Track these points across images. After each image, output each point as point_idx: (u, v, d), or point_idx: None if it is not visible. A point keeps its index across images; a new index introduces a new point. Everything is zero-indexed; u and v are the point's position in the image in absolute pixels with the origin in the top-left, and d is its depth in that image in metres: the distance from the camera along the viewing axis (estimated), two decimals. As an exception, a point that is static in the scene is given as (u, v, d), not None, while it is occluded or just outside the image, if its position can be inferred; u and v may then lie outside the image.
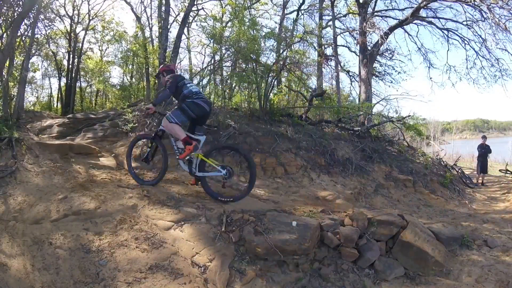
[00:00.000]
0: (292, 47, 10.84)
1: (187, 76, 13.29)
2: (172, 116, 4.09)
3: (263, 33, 9.51)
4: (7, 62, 5.99)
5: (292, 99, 11.56)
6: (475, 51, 10.98)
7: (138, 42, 11.68)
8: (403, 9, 12.03)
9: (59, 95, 13.66)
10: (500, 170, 10.37)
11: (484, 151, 9.75)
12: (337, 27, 14.01)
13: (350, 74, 14.70)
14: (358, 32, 12.26)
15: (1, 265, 2.72)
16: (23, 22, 6.39)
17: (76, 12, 12.60)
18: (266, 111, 8.72)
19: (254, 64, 8.52)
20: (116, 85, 14.40)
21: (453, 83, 12.18)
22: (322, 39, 13.81)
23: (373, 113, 10.32)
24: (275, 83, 10.27)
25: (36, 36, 9.27)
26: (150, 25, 12.17)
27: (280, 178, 6.19)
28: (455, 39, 11.36)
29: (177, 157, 4.24)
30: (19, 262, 2.80)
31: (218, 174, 4.05)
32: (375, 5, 12.54)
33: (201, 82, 10.53)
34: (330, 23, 13.91)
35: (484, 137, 10.14)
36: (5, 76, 5.75)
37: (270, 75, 8.87)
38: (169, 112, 4.11)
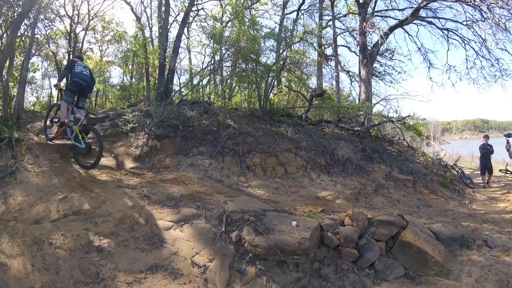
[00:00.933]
0: (292, 47, 10.85)
1: (187, 75, 13.34)
2: (65, 96, 5.14)
3: (263, 33, 9.52)
4: (7, 62, 6.00)
5: (292, 99, 11.55)
6: (475, 51, 10.99)
7: (138, 42, 11.67)
8: (403, 9, 12.04)
9: (59, 95, 13.64)
10: (500, 170, 10.32)
11: (485, 151, 9.22)
12: (337, 27, 14.01)
13: (350, 74, 14.70)
14: (358, 32, 12.25)
15: (1, 265, 2.72)
16: (23, 22, 6.40)
17: (76, 12, 12.59)
18: (266, 111, 8.73)
19: (254, 64, 8.53)
20: (116, 85, 14.39)
21: (453, 83, 12.19)
22: (322, 39, 13.80)
23: (373, 113, 10.32)
24: (275, 83, 10.27)
25: (36, 36, 9.28)
26: (150, 25, 12.16)
27: (280, 178, 6.19)
28: (455, 39, 11.37)
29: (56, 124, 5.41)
30: (19, 262, 2.80)
31: (80, 146, 4.94)
32: (375, 5, 12.54)
33: (201, 82, 10.55)
34: (330, 23, 13.90)
35: (486, 137, 9.52)
36: (5, 76, 5.75)
37: (270, 75, 8.87)
38: (64, 92, 5.22)
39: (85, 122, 5.28)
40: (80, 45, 12.95)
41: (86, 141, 4.99)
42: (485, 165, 9.13)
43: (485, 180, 9.10)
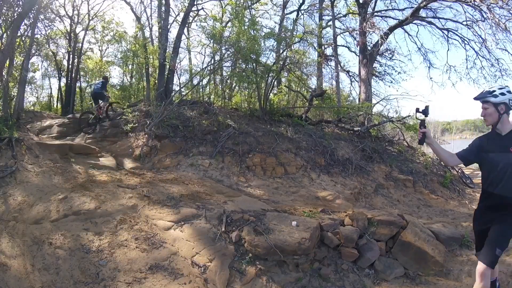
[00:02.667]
0: (292, 47, 10.85)
1: (187, 75, 13.38)
2: None
3: (263, 33, 9.52)
4: (7, 62, 6.00)
5: (292, 99, 11.55)
6: (475, 51, 10.97)
7: (138, 42, 11.68)
8: (403, 9, 12.02)
9: (59, 95, 13.66)
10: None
11: None
12: (337, 27, 13.99)
13: (350, 74, 14.68)
14: (358, 32, 12.24)
15: (1, 265, 2.72)
16: (23, 22, 6.40)
17: (76, 12, 12.61)
18: (266, 111, 8.73)
19: (254, 64, 8.53)
20: (116, 85, 14.40)
21: (453, 83, 12.17)
22: (322, 39, 13.80)
23: (373, 113, 10.32)
24: (275, 83, 10.27)
25: (36, 36, 9.27)
26: (150, 25, 12.15)
27: (280, 178, 6.19)
28: (455, 39, 11.36)
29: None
30: (19, 262, 2.80)
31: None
32: (375, 5, 12.53)
33: (201, 82, 10.55)
34: (330, 23, 13.89)
35: None
36: (5, 76, 5.75)
37: (270, 75, 8.87)
38: None
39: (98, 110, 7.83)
40: (80, 45, 12.95)
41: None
42: None
43: None
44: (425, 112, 2.50)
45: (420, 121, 2.51)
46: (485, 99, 2.27)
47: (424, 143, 2.50)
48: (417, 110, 2.54)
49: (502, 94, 2.21)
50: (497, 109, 2.23)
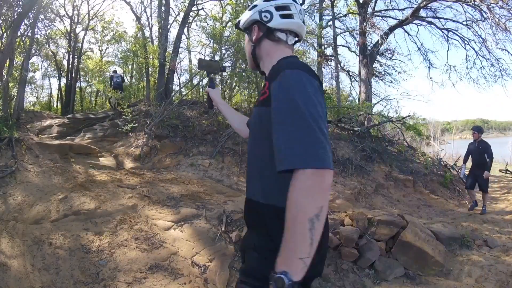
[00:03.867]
0: (292, 47, 10.83)
1: (187, 75, 13.37)
2: None
3: (263, 33, 9.50)
4: (7, 62, 6.00)
5: (292, 99, 11.51)
6: (475, 51, 10.98)
7: (138, 42, 11.68)
8: (403, 9, 12.04)
9: (59, 95, 13.68)
10: (500, 170, 10.30)
11: (474, 154, 5.92)
12: (337, 27, 13.98)
13: (350, 74, 14.66)
14: (358, 32, 12.25)
15: (1, 265, 2.71)
16: (23, 22, 6.40)
17: (76, 12, 12.63)
18: (266, 111, 8.72)
19: (254, 64, 8.52)
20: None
21: (453, 83, 12.18)
22: (322, 39, 13.79)
23: (373, 113, 10.32)
24: (275, 83, 10.24)
25: (36, 36, 9.28)
26: (150, 25, 12.18)
27: (280, 178, 6.18)
28: (455, 39, 11.38)
29: None
30: (19, 262, 2.80)
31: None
32: (375, 5, 12.54)
33: (201, 82, 10.55)
34: (330, 23, 13.89)
35: (477, 130, 5.99)
36: (5, 76, 5.75)
37: (270, 75, 8.85)
38: None
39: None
40: (80, 45, 12.96)
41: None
42: (475, 175, 5.87)
43: (474, 197, 6.17)
44: (206, 66, 1.72)
45: (208, 78, 1.73)
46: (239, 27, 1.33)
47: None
48: (200, 63, 1.73)
49: (253, 7, 1.23)
50: (250, 37, 1.25)
